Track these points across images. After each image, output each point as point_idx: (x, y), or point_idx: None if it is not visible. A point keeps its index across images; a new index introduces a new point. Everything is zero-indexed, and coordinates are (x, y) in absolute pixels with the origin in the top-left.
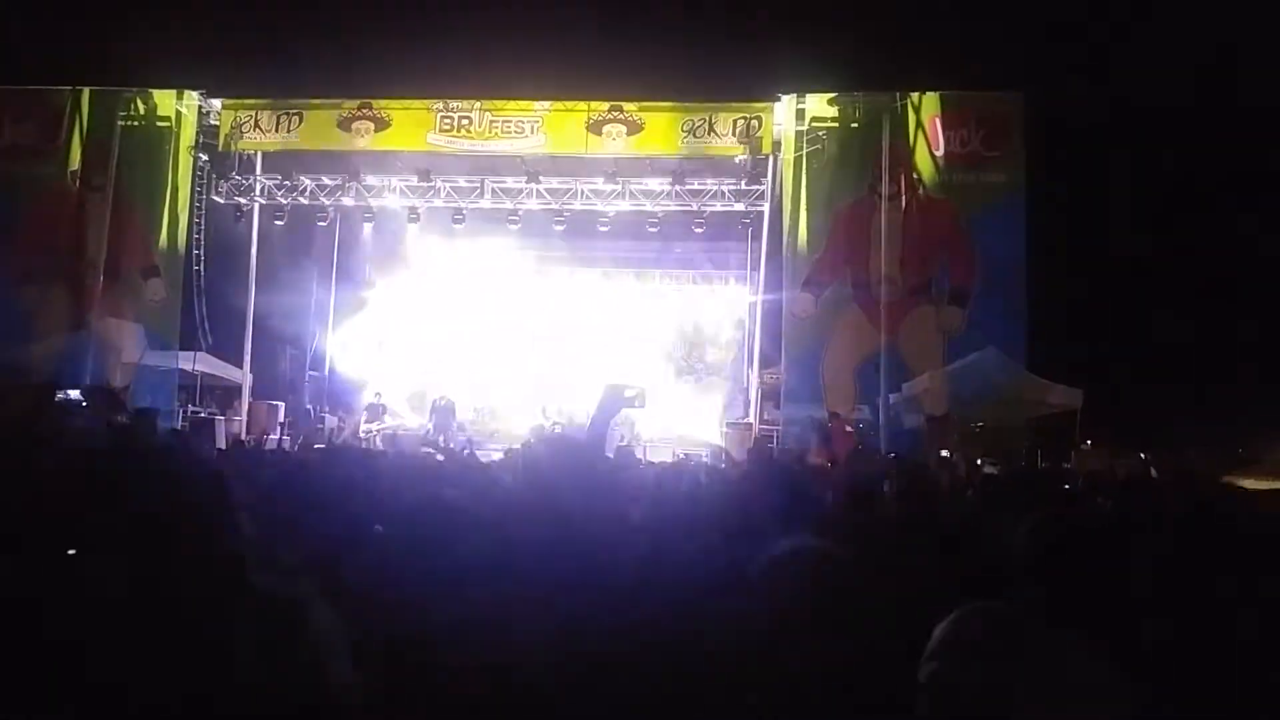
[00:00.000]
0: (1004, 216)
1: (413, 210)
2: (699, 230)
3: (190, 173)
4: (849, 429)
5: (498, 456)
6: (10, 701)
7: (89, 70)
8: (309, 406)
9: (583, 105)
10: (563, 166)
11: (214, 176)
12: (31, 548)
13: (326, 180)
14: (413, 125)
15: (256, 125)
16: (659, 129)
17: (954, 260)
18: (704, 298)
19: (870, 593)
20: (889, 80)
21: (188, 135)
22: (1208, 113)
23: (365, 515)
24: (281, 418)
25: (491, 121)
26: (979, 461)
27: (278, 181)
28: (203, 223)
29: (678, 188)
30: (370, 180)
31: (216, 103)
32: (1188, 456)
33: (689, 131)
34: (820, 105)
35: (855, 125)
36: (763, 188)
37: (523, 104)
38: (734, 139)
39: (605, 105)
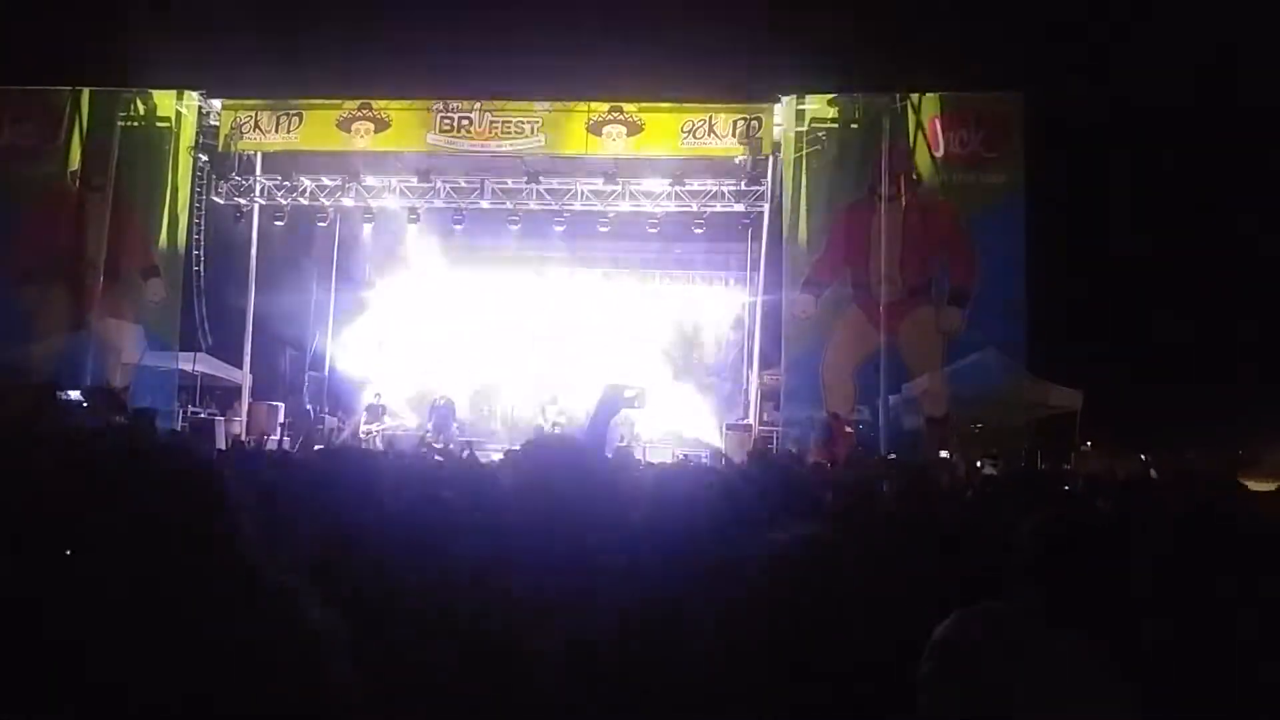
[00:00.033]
0: (1004, 217)
1: (412, 211)
2: (699, 231)
3: (190, 173)
4: (849, 430)
5: (497, 457)
6: (10, 701)
7: (89, 70)
8: (309, 407)
9: (583, 106)
10: (562, 167)
11: (214, 177)
12: (31, 548)
13: (326, 181)
14: (412, 126)
15: (256, 126)
16: (659, 129)
17: (954, 261)
18: (704, 298)
19: (870, 590)
20: (889, 81)
21: (188, 135)
22: (1207, 113)
23: (364, 515)
24: (281, 419)
25: (491, 122)
26: (978, 463)
27: (277, 182)
28: (203, 223)
29: (677, 188)
30: (370, 181)
31: (216, 103)
32: (1188, 457)
33: (689, 132)
34: (820, 106)
35: (855, 126)
36: (762, 188)
37: (522, 104)
38: (734, 140)
39: (605, 106)
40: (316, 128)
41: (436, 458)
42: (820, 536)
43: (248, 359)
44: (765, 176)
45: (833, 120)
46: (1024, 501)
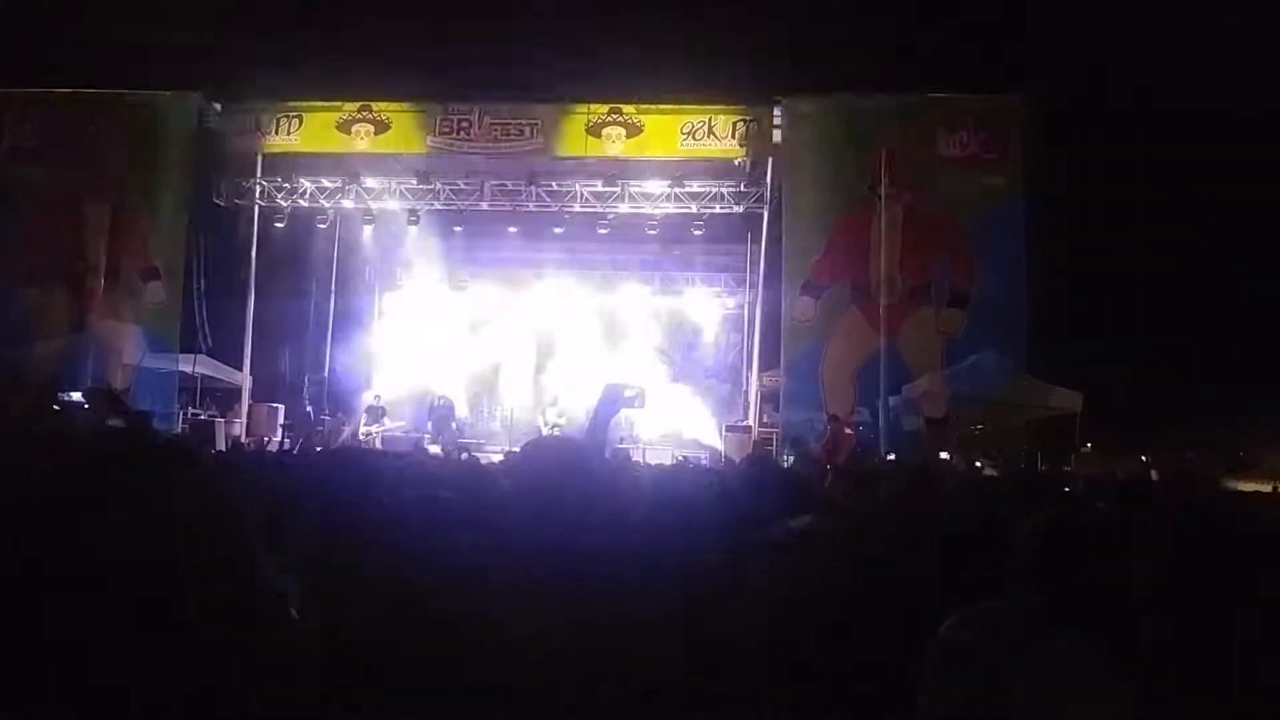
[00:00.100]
0: (1003, 219)
1: (412, 213)
2: (698, 233)
3: (190, 175)
4: (849, 431)
5: (497, 458)
6: (10, 701)
7: (89, 72)
8: (309, 409)
9: (582, 107)
10: (562, 169)
11: (213, 179)
12: (30, 548)
13: (326, 183)
14: (412, 128)
15: (256, 128)
16: (658, 131)
17: (953, 263)
18: (703, 300)
19: (869, 590)
20: (888, 83)
21: (187, 138)
22: (1207, 114)
23: (364, 516)
24: (282, 420)
25: (491, 124)
26: (978, 464)
27: (277, 184)
28: (202, 225)
29: (677, 190)
30: (370, 183)
31: (216, 105)
32: (1188, 458)
33: (688, 134)
34: (820, 108)
35: (855, 128)
36: (762, 190)
37: (522, 106)
38: (733, 141)
39: (604, 108)
40: (316, 130)
41: (433, 458)
42: (818, 528)
43: (248, 361)
44: (765, 178)
45: (833, 122)
46: (1024, 503)
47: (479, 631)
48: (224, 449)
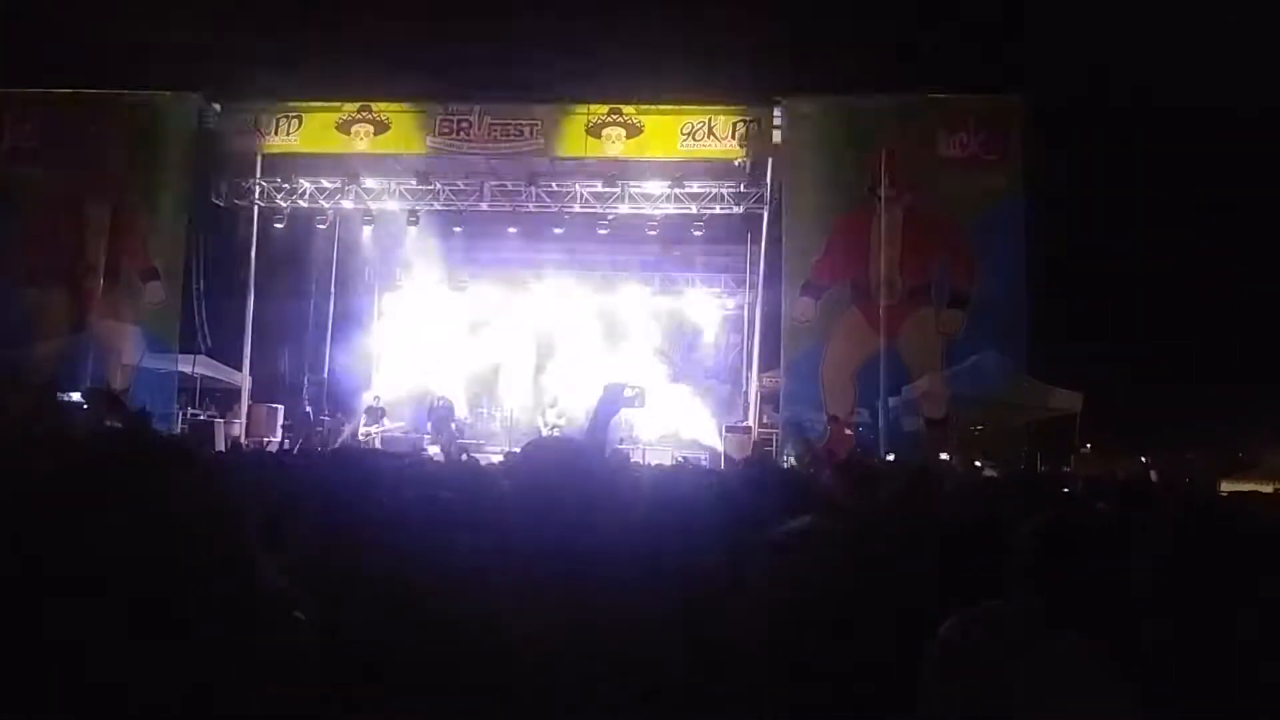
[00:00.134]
0: (1003, 219)
1: (412, 213)
2: (698, 233)
3: (189, 175)
4: (848, 432)
5: (496, 459)
6: (10, 701)
7: (89, 72)
8: (308, 409)
9: (582, 108)
10: (562, 169)
11: (213, 179)
12: (30, 549)
13: (325, 183)
14: (412, 128)
15: (256, 128)
16: (658, 132)
17: (953, 263)
18: (703, 301)
19: (869, 591)
20: (889, 83)
21: (187, 138)
22: (1207, 114)
23: (364, 516)
24: (281, 421)
25: (491, 124)
26: (978, 464)
27: (277, 184)
28: (202, 225)
29: (677, 191)
30: (369, 183)
31: (216, 105)
32: (1187, 459)
33: (688, 134)
34: (820, 108)
35: (855, 128)
36: (762, 191)
37: (521, 106)
38: (733, 142)
39: (604, 108)
40: (316, 130)
41: (435, 458)
42: (818, 528)
43: (247, 361)
44: (764, 179)
45: (833, 123)
46: (1024, 503)
47: (479, 632)
48: (223, 449)
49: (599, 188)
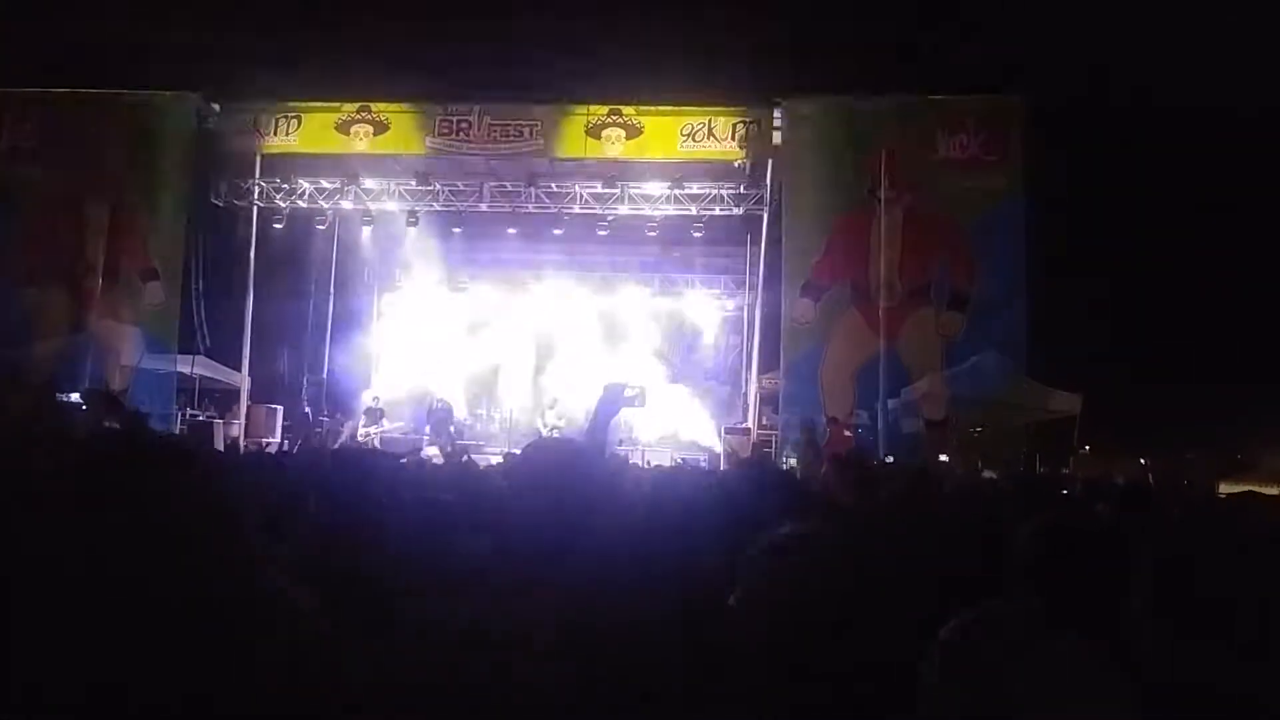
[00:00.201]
0: (1003, 220)
1: (411, 214)
2: (698, 234)
3: (189, 175)
4: (847, 433)
5: (496, 460)
6: (10, 701)
7: (89, 72)
8: (307, 410)
9: (581, 109)
10: (561, 170)
11: (212, 179)
12: (30, 549)
13: (325, 183)
14: (411, 128)
15: (255, 128)
16: (658, 133)
17: (953, 264)
18: (703, 302)
19: (868, 591)
20: (888, 85)
21: (186, 138)
22: (1207, 114)
23: (363, 516)
24: (281, 421)
25: (490, 125)
26: (977, 466)
27: (276, 184)
28: (201, 226)
29: (677, 192)
30: (369, 183)
31: (215, 105)
32: (1186, 461)
33: (688, 135)
34: (819, 109)
35: (855, 130)
36: (762, 192)
37: (521, 107)
38: (733, 143)
39: (604, 109)
40: (315, 130)
41: (434, 460)
42: (818, 530)
43: (246, 362)
44: (764, 180)
45: (833, 124)
46: (1023, 505)
47: (478, 632)
48: (222, 450)
49: (599, 189)
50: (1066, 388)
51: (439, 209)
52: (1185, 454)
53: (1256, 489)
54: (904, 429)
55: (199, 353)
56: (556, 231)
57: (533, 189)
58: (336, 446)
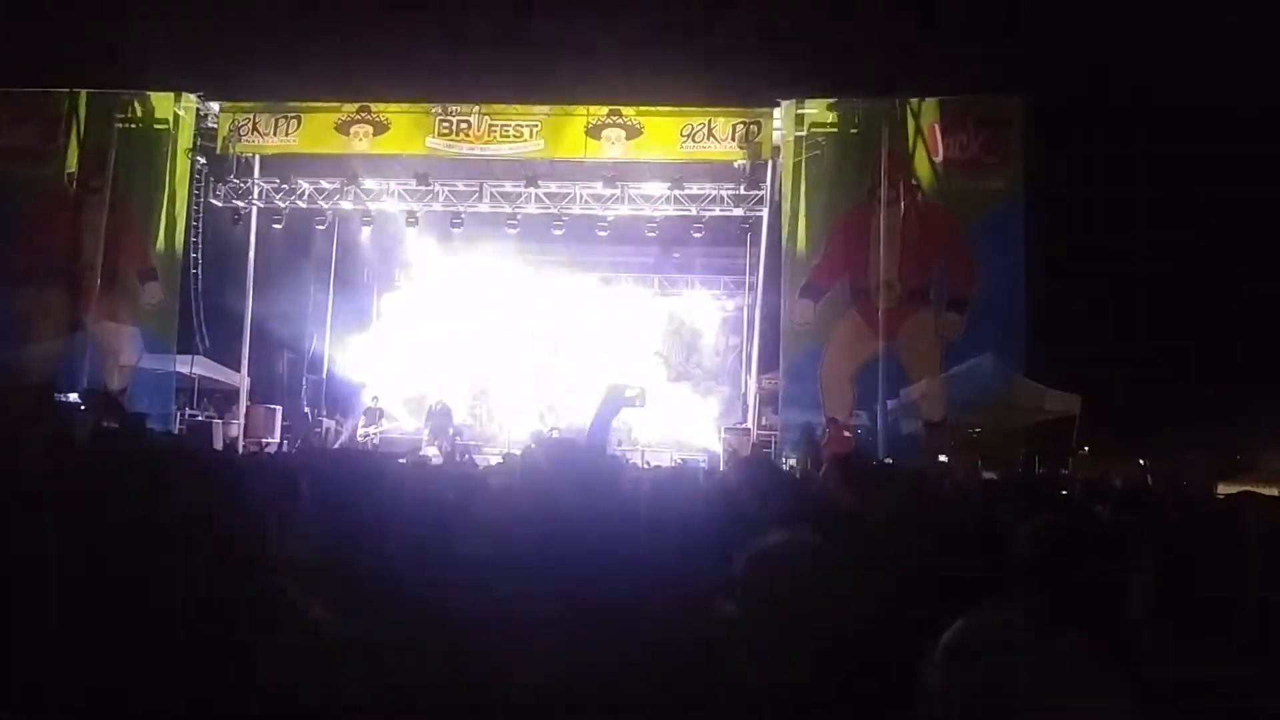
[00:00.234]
0: (1003, 222)
1: (411, 214)
2: (698, 235)
3: (188, 175)
4: (846, 434)
5: (495, 461)
6: (10, 701)
7: (87, 72)
8: (306, 410)
9: (581, 109)
10: (561, 170)
11: (211, 179)
12: (30, 549)
13: (324, 184)
14: (411, 129)
15: (254, 128)
16: (658, 133)
17: (953, 266)
18: (702, 302)
19: (868, 593)
20: (888, 85)
21: (185, 138)
22: (1207, 114)
23: (363, 517)
24: (280, 421)
25: (490, 125)
26: (977, 466)
27: (275, 185)
28: (200, 226)
29: (676, 192)
30: (368, 184)
31: (214, 105)
32: (1185, 462)
33: (688, 136)
34: (819, 110)
35: (854, 130)
36: (762, 193)
37: (521, 108)
38: (733, 144)
39: (604, 109)
40: (315, 130)
41: (434, 460)
42: (817, 534)
43: (245, 362)
44: (764, 181)
45: (832, 125)
46: (1023, 506)
47: (478, 632)
48: (220, 450)
49: (599, 189)
50: (1066, 388)
51: (439, 209)
52: (1184, 455)
53: (1255, 489)
54: (903, 430)
55: (198, 353)
56: (556, 232)
57: (532, 190)
58: (336, 446)
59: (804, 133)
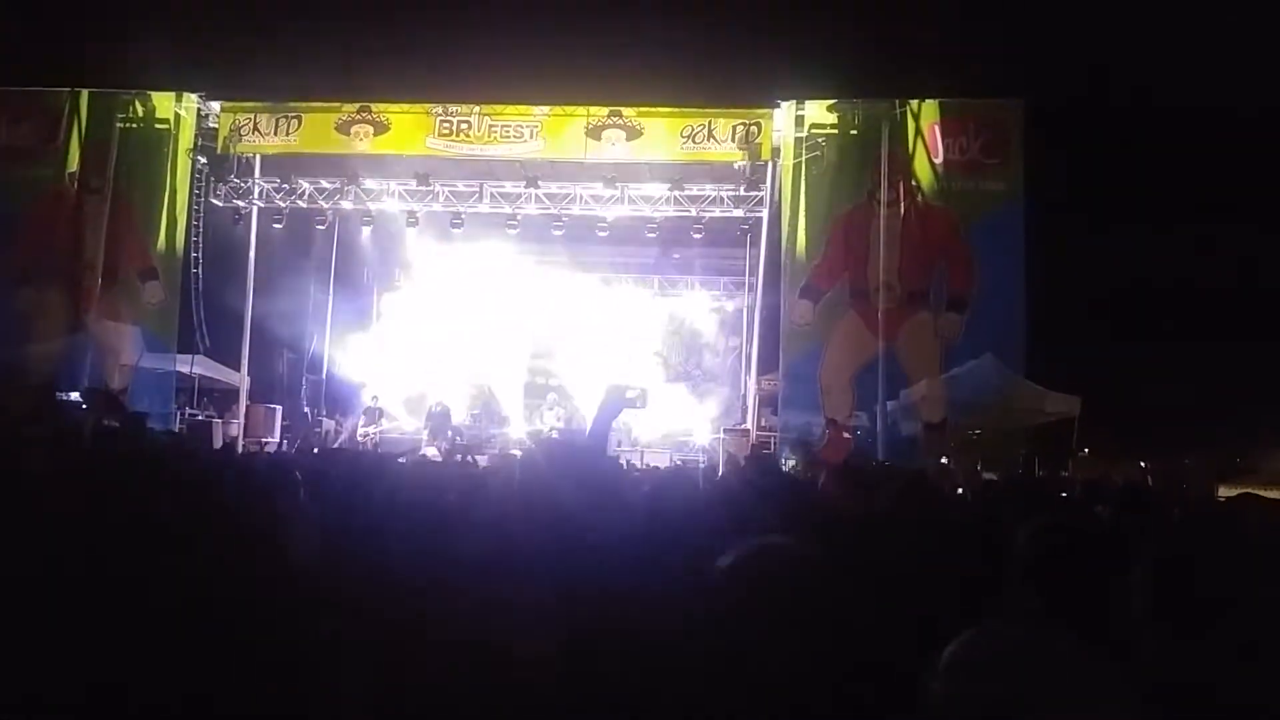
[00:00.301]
0: (1003, 223)
1: (411, 214)
2: (698, 236)
3: (189, 175)
4: (846, 435)
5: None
6: (11, 701)
7: (88, 72)
8: (306, 410)
9: (582, 110)
10: (561, 171)
11: (212, 179)
12: (30, 548)
13: (325, 184)
14: (411, 129)
15: (255, 128)
16: (658, 134)
17: (952, 267)
18: (702, 303)
19: (862, 594)
20: (888, 87)
21: (186, 138)
22: (1207, 114)
23: (363, 517)
24: (280, 421)
25: (490, 126)
26: (976, 468)
27: (276, 185)
28: (201, 225)
29: (676, 193)
30: (369, 184)
31: (215, 105)
32: (1185, 464)
33: (688, 137)
34: (819, 112)
35: (854, 132)
36: (761, 194)
37: (522, 108)
38: (733, 145)
39: (604, 110)
40: (315, 131)
41: (431, 460)
42: (801, 537)
43: (245, 361)
44: (764, 182)
45: (832, 126)
46: (1022, 507)
47: (480, 632)
48: (219, 449)
49: (598, 190)
50: (1065, 389)
51: (439, 209)
52: (1184, 457)
53: (1255, 491)
54: (903, 431)
55: (198, 352)
56: (556, 232)
57: (532, 190)
58: (335, 446)
59: (804, 134)
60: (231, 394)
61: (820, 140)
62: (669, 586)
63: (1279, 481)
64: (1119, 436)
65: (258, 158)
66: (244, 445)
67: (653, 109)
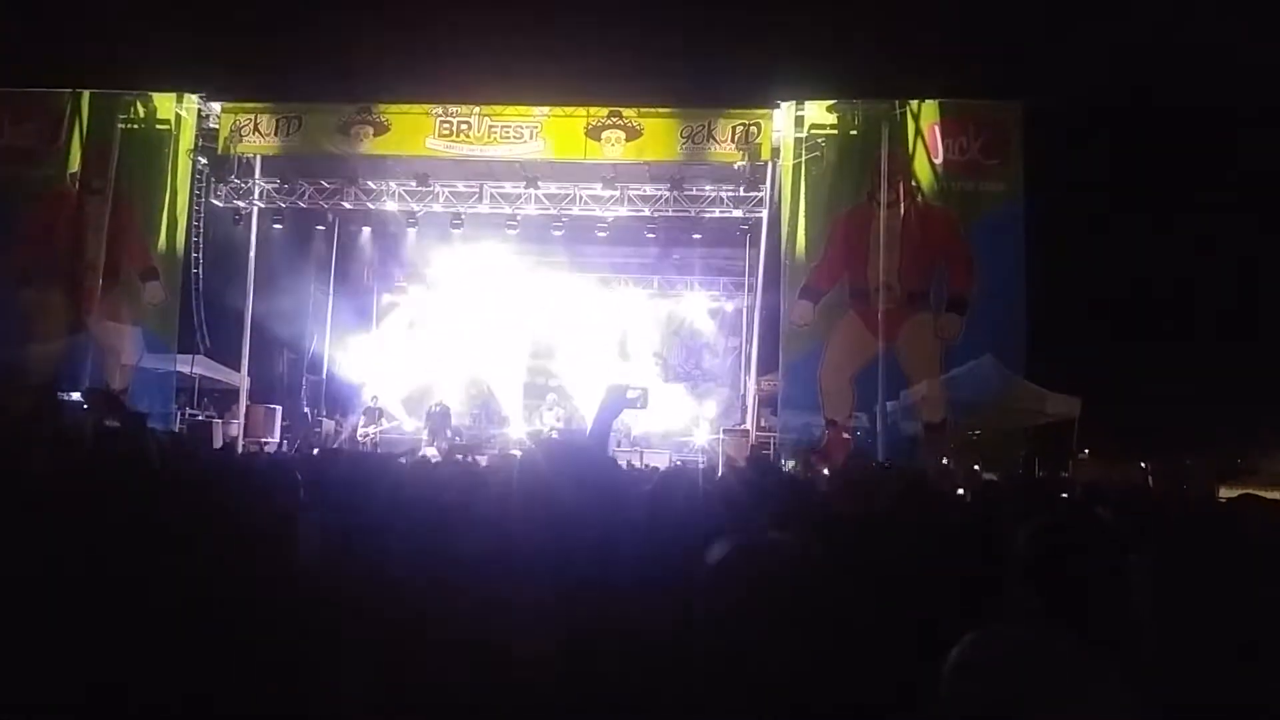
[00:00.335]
0: (1003, 224)
1: (411, 215)
2: (697, 237)
3: (189, 176)
4: (846, 436)
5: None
6: (11, 701)
7: (89, 73)
8: (306, 410)
9: (581, 111)
10: (561, 172)
11: (213, 180)
12: (30, 548)
13: (325, 184)
14: (412, 130)
15: (256, 129)
16: (658, 135)
17: (952, 268)
18: (702, 303)
19: (869, 594)
20: (888, 88)
21: (187, 138)
22: (1207, 119)
23: (363, 517)
24: (280, 421)
25: (490, 127)
26: (976, 469)
27: (276, 185)
28: (201, 226)
29: (676, 194)
30: (369, 184)
31: (216, 106)
32: (1186, 465)
33: (688, 138)
34: (819, 112)
35: (854, 133)
36: (761, 194)
37: (521, 109)
38: (733, 145)
39: (604, 111)
40: (316, 131)
41: (431, 460)
42: (815, 537)
43: (246, 361)
44: (764, 183)
45: (832, 127)
46: (1023, 508)
47: (481, 632)
48: (219, 449)
49: (598, 190)
50: (1065, 390)
51: (439, 210)
52: (1185, 457)
53: (1255, 492)
54: (903, 432)
55: (199, 352)
56: (556, 233)
57: (532, 191)
58: (335, 446)
59: (804, 134)
60: (231, 394)
61: (820, 141)
62: (668, 586)
63: (1279, 482)
64: (1119, 437)
65: (258, 158)
66: (244, 445)
67: (653, 109)
